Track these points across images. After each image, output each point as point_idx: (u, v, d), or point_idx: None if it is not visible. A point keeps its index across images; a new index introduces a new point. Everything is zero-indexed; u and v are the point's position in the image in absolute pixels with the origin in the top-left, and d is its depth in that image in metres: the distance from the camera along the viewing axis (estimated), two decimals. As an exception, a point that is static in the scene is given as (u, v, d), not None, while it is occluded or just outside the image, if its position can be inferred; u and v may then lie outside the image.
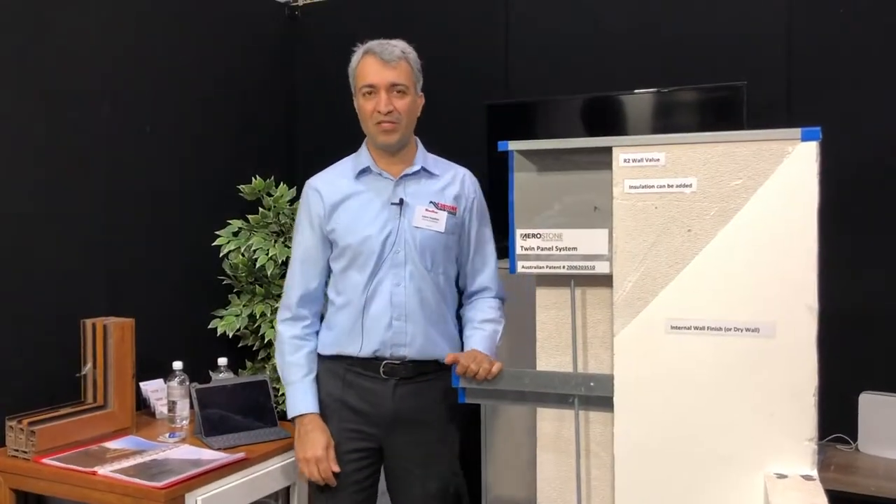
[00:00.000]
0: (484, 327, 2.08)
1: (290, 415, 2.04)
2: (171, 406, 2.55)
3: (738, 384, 1.57)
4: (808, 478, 1.52)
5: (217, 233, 2.96)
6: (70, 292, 2.54)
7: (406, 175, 2.04)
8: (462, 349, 2.07)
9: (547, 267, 1.76)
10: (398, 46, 1.99)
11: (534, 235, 1.76)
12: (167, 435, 2.43)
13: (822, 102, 2.50)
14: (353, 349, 2.01)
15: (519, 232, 1.77)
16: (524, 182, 1.77)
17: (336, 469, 1.99)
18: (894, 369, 2.43)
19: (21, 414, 2.27)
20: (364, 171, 2.04)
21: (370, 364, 2.01)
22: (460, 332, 2.14)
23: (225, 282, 3.01)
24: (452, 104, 3.07)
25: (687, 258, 1.60)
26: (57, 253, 2.51)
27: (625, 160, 1.64)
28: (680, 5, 2.75)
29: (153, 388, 2.70)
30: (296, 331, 2.06)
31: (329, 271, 2.08)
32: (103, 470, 2.10)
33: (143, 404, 2.68)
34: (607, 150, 1.66)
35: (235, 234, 2.96)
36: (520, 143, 1.75)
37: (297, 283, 2.07)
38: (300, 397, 2.02)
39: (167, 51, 2.88)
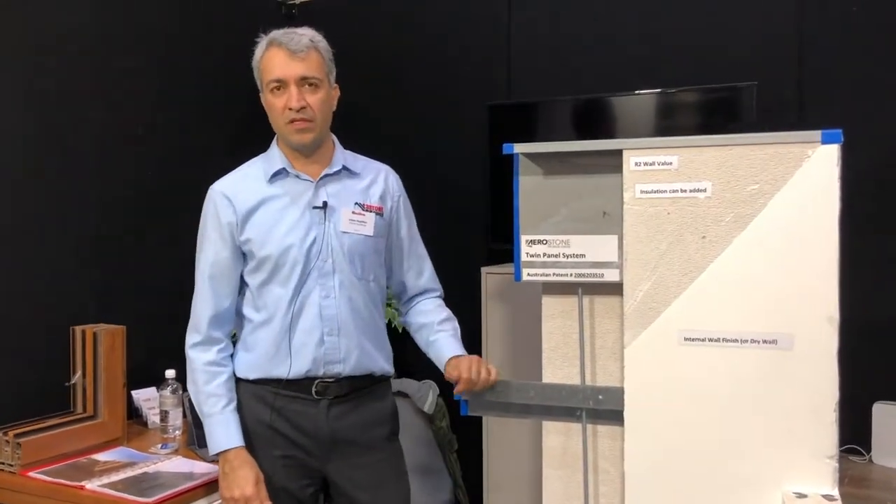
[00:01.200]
0: (445, 328, 1.94)
1: (211, 452, 1.82)
2: (164, 416, 2.48)
3: (755, 399, 1.51)
4: (829, 497, 1.45)
5: None
6: (59, 299, 2.47)
7: (326, 175, 1.86)
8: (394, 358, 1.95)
9: (553, 275, 1.70)
10: (306, 35, 1.81)
11: (540, 242, 1.70)
12: (159, 446, 2.35)
13: (833, 103, 2.44)
14: (280, 371, 1.82)
15: (524, 238, 1.72)
16: (530, 186, 1.71)
17: None
18: (909, 379, 2.37)
19: (7, 425, 2.20)
20: (278, 174, 1.85)
21: (300, 385, 1.83)
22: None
23: (219, 287, 2.91)
24: (453, 105, 3.06)
25: (701, 266, 1.54)
26: (46, 258, 2.44)
27: (636, 164, 1.58)
28: (686, 4, 2.69)
29: (146, 397, 2.63)
30: (209, 356, 1.84)
31: (241, 286, 1.88)
32: (91, 484, 2.02)
33: (135, 413, 2.61)
34: (617, 154, 1.61)
35: None
36: (525, 146, 1.69)
37: (207, 302, 1.85)
38: (221, 431, 1.80)
39: (161, 50, 2.81)
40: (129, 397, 2.54)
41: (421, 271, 2.01)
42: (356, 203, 1.87)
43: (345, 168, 1.89)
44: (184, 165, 2.89)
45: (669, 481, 1.56)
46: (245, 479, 1.76)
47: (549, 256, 1.69)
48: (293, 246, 1.80)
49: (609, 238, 1.64)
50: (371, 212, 1.88)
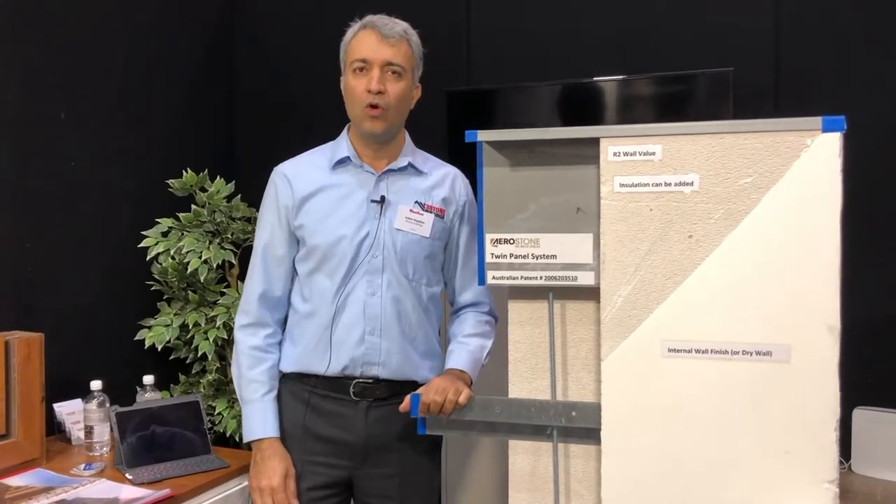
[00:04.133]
0: (469, 342, 1.86)
1: (246, 438, 1.80)
2: (89, 431, 2.27)
3: (747, 417, 1.37)
4: (830, 527, 1.31)
5: (144, 233, 2.70)
6: (-32, 303, 2.23)
7: (391, 170, 1.82)
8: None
9: (521, 277, 1.55)
10: (401, 24, 1.79)
11: (506, 241, 1.55)
12: (82, 467, 2.14)
13: (811, 90, 2.35)
14: (319, 366, 1.78)
15: (489, 237, 1.56)
16: (495, 179, 1.55)
17: None
18: (890, 383, 2.28)
19: None
20: (342, 162, 1.82)
21: (338, 384, 1.78)
22: None
23: (153, 288, 2.75)
24: None
25: (687, 269, 1.40)
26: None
27: (614, 154, 1.43)
28: (657, -15, 2.56)
29: (69, 410, 2.40)
30: (257, 340, 1.82)
31: (295, 274, 1.85)
32: (-1, 515, 1.79)
33: (57, 428, 2.39)
34: (593, 143, 1.46)
35: (165, 234, 2.71)
36: (490, 134, 1.53)
37: (258, 282, 1.83)
38: (258, 419, 1.79)
39: (85, 24, 2.57)
40: (50, 411, 2.33)
41: (473, 284, 1.91)
42: (416, 202, 1.82)
43: (411, 165, 1.84)
44: (112, 152, 2.67)
45: (651, 508, 1.41)
46: (273, 471, 1.75)
47: (516, 257, 1.54)
48: (345, 238, 1.76)
49: (584, 237, 1.49)
50: (431, 212, 1.83)
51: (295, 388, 1.82)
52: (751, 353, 1.36)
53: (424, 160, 1.89)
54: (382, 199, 1.78)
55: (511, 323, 1.60)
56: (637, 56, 2.55)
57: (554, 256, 1.52)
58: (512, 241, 1.54)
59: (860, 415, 2.21)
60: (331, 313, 1.77)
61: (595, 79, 2.49)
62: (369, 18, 1.79)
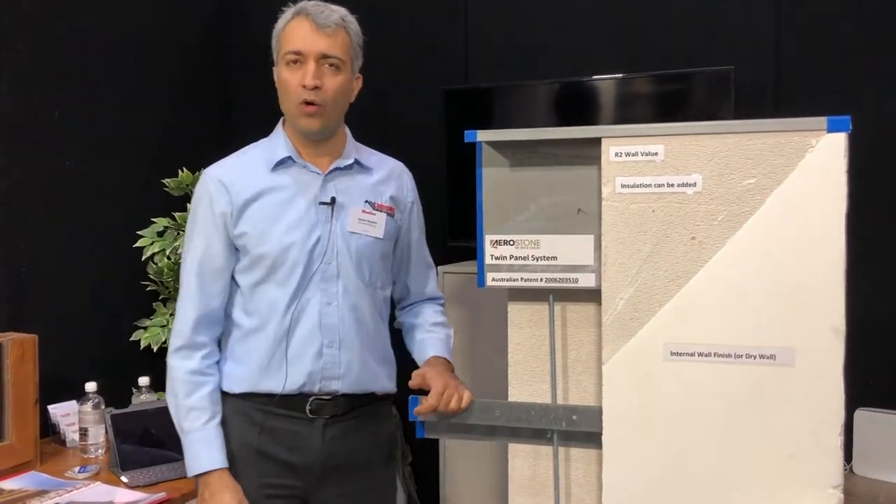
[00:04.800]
0: (436, 330, 1.80)
1: (190, 472, 1.63)
2: (84, 433, 2.26)
3: (750, 421, 1.35)
4: (834, 534, 1.29)
5: (139, 233, 2.68)
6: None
7: (337, 169, 1.69)
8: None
9: (521, 279, 1.52)
10: (337, 12, 1.64)
11: (506, 242, 1.52)
12: (77, 469, 2.13)
13: (812, 89, 2.33)
14: (273, 385, 1.64)
15: (488, 238, 1.53)
16: (494, 179, 1.53)
17: None
18: (892, 384, 2.25)
19: None
20: (283, 162, 1.68)
21: (293, 402, 1.65)
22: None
23: (149, 288, 2.73)
24: (406, 90, 2.87)
25: (690, 271, 1.38)
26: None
27: (616, 154, 1.41)
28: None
29: (64, 412, 2.39)
30: (193, 364, 1.65)
31: (235, 287, 1.70)
32: (-8, 519, 1.78)
33: (51, 430, 2.37)
34: (595, 143, 1.43)
35: (160, 234, 2.69)
36: (490, 134, 1.50)
37: (194, 302, 1.66)
38: (203, 450, 1.62)
39: (81, 24, 2.55)
40: (45, 413, 2.31)
41: (427, 280, 1.87)
42: (366, 201, 1.71)
43: (357, 162, 1.72)
44: (108, 152, 2.65)
45: (653, 514, 1.39)
46: None
47: (516, 259, 1.51)
48: (294, 244, 1.63)
49: (584, 238, 1.47)
50: (382, 212, 1.72)
51: (245, 409, 1.67)
52: (754, 357, 1.34)
53: (368, 155, 1.77)
54: (333, 200, 1.67)
55: (511, 325, 1.57)
56: (636, 54, 2.52)
57: (554, 258, 1.49)
58: (512, 243, 1.52)
59: (862, 416, 2.19)
60: (284, 327, 1.64)
61: (594, 77, 2.46)
62: (302, 4, 1.65)
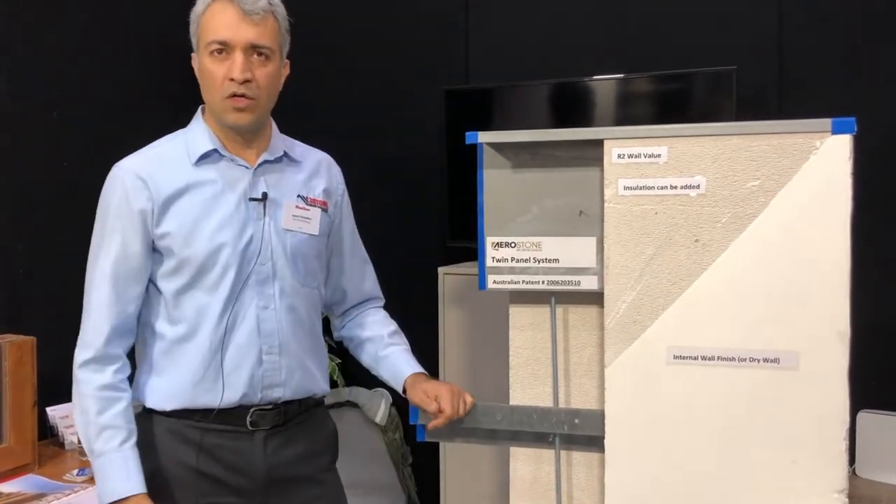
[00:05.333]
0: (396, 341, 1.71)
1: (104, 500, 1.46)
2: (82, 436, 2.22)
3: (754, 425, 1.35)
4: (839, 539, 1.28)
5: None
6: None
7: (266, 162, 1.57)
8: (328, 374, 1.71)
9: (523, 282, 1.52)
10: None
11: (507, 244, 1.52)
12: (75, 472, 2.11)
13: (814, 89, 2.32)
14: (208, 399, 1.51)
15: (490, 240, 1.53)
16: (496, 181, 1.52)
17: None
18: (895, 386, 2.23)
19: None
20: (208, 156, 1.54)
21: (232, 416, 1.53)
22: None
23: (148, 289, 2.67)
24: (406, 90, 2.86)
25: (693, 274, 1.37)
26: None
27: (619, 155, 1.40)
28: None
29: (63, 414, 2.37)
30: (105, 378, 1.49)
31: (148, 293, 1.56)
32: (-11, 523, 1.76)
33: (50, 432, 2.35)
34: (597, 144, 1.43)
35: None
36: (491, 135, 1.50)
37: (108, 310, 1.50)
38: (119, 474, 1.46)
39: (79, 24, 2.53)
40: (43, 415, 2.29)
41: (364, 277, 1.76)
42: (299, 196, 1.60)
43: (286, 155, 1.61)
44: (108, 152, 2.60)
45: (656, 518, 1.39)
46: None
47: (517, 261, 1.51)
48: (225, 245, 1.51)
49: (587, 241, 1.46)
50: (316, 206, 1.61)
51: (179, 428, 1.54)
52: (758, 360, 1.34)
53: (293, 146, 1.66)
54: (265, 195, 1.55)
55: (512, 328, 1.57)
56: (637, 54, 2.51)
57: (556, 260, 1.49)
58: (513, 245, 1.51)
59: (865, 418, 2.17)
60: (218, 336, 1.51)
61: (595, 77, 2.45)
62: None
